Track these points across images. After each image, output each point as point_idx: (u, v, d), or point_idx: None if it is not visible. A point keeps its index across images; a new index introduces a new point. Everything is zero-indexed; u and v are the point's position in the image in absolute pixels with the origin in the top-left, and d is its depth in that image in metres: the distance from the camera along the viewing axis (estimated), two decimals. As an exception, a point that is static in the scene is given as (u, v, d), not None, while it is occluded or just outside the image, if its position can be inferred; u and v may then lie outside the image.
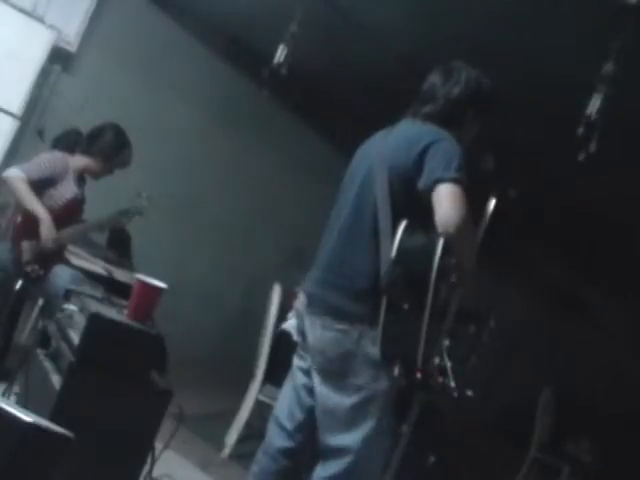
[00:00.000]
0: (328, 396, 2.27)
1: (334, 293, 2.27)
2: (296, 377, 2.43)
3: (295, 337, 2.45)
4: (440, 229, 2.05)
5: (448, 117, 2.31)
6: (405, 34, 4.03)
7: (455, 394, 3.68)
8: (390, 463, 3.48)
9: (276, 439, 2.41)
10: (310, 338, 2.34)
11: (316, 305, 2.34)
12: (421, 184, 2.16)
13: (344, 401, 2.24)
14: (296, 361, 2.46)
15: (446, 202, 2.07)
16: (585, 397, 6.32)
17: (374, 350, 2.17)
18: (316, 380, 2.32)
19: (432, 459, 4.00)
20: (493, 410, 7.18)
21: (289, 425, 2.39)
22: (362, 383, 2.23)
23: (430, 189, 2.11)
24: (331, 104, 5.90)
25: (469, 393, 3.83)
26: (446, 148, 2.18)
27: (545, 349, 7.57)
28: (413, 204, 2.18)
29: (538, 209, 5.72)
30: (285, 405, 2.43)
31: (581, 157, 2.65)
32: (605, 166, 3.46)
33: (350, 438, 2.24)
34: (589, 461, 5.61)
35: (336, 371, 2.26)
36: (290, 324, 2.36)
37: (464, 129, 2.37)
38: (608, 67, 2.65)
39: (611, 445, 5.84)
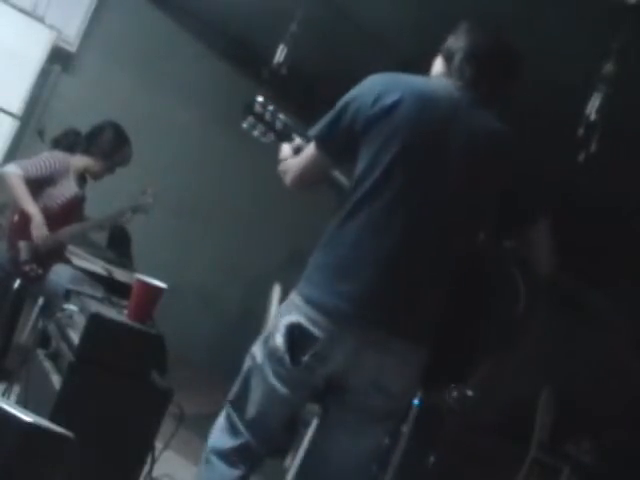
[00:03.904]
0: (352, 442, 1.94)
1: (420, 308, 1.84)
2: (275, 392, 2.03)
3: (287, 363, 1.96)
4: (546, 269, 2.03)
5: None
6: (406, 35, 4.03)
7: (455, 394, 3.68)
8: (390, 463, 3.48)
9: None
10: (358, 372, 1.85)
11: (385, 328, 1.82)
12: (525, 211, 2.00)
13: (375, 443, 2.00)
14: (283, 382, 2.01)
15: (549, 241, 2.00)
16: (585, 397, 6.31)
17: None
18: (339, 421, 1.95)
19: (432, 459, 3.99)
20: (493, 410, 7.18)
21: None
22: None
23: (535, 222, 2.00)
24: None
25: (469, 393, 3.83)
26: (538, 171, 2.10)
27: (545, 349, 7.56)
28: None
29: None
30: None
31: (581, 157, 2.65)
32: (605, 166, 3.46)
33: None
34: (589, 461, 5.60)
35: (390, 411, 1.94)
36: (278, 341, 1.78)
37: None
38: (608, 67, 2.65)
39: (611, 445, 5.83)
